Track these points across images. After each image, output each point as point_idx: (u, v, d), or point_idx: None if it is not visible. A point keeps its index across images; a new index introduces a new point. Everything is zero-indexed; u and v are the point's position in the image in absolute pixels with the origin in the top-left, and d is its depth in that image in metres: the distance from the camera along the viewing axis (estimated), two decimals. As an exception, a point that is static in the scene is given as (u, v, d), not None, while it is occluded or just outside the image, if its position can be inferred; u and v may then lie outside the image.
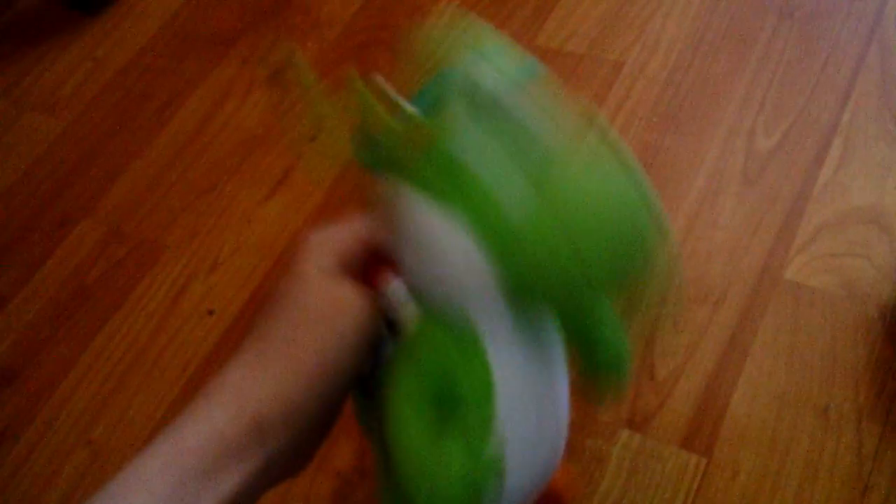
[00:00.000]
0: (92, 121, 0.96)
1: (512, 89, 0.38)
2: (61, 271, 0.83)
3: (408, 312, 0.42)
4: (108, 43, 1.03)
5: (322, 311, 0.40)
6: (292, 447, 0.40)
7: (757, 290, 0.71)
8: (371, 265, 0.44)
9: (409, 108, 0.39)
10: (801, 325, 0.69)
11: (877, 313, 0.68)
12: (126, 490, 0.35)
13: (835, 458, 0.62)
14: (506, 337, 0.40)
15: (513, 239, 0.37)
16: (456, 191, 0.38)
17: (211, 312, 0.78)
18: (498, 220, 0.37)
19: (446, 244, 0.38)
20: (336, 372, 0.40)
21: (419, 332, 0.41)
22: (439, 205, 0.38)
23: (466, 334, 0.39)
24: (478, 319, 0.40)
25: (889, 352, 0.66)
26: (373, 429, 0.44)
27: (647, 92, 0.87)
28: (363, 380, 0.43)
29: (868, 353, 0.67)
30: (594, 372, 0.44)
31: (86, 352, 0.77)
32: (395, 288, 0.42)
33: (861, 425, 0.63)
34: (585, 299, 0.38)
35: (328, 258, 0.42)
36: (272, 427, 0.38)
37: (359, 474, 0.67)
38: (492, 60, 0.39)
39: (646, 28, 0.93)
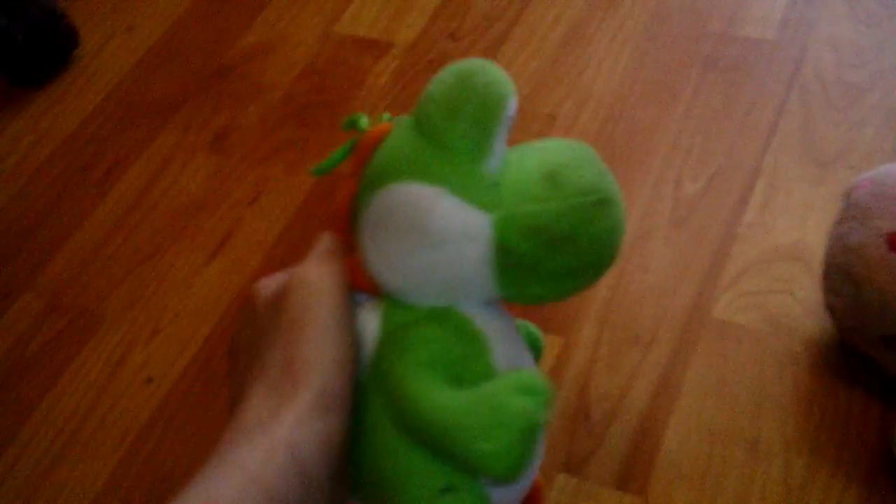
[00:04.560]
0: (33, 194, 0.97)
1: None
2: (1, 345, 0.83)
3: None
4: (51, 115, 1.05)
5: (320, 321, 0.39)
6: (331, 476, 0.37)
7: (686, 330, 0.73)
8: None
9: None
10: (729, 361, 0.70)
11: (802, 347, 0.70)
12: None
13: (764, 490, 0.63)
14: (493, 324, 0.42)
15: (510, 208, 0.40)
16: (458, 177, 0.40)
17: (149, 380, 0.78)
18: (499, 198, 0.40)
19: (457, 226, 0.40)
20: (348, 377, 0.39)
21: (411, 337, 0.41)
22: (440, 191, 0.39)
23: (466, 326, 0.41)
24: (471, 310, 0.42)
25: (814, 384, 0.68)
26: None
27: (578, 143, 0.89)
28: None
29: (794, 386, 0.68)
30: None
31: (25, 425, 0.77)
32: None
33: (789, 457, 0.64)
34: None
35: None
36: (310, 455, 0.35)
37: None
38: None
39: (577, 83, 0.96)
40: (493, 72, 0.40)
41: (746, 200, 0.81)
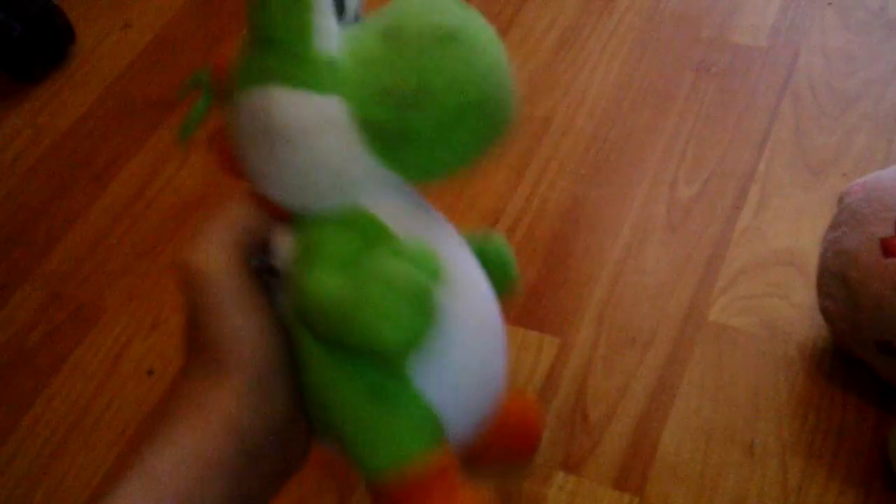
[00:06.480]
0: (32, 187, 0.97)
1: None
2: (0, 336, 0.83)
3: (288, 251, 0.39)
4: (49, 110, 1.05)
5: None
6: (278, 449, 0.38)
7: (682, 333, 0.74)
8: None
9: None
10: (725, 364, 0.72)
11: (796, 351, 0.72)
12: None
13: (761, 492, 0.64)
14: (405, 219, 0.38)
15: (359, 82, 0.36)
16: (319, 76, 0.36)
17: (150, 373, 0.78)
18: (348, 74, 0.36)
19: (318, 127, 0.36)
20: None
21: (313, 242, 0.38)
22: (303, 93, 0.36)
23: (365, 221, 0.38)
24: (369, 205, 0.38)
25: (810, 387, 0.69)
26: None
27: (574, 146, 0.91)
28: None
29: (790, 388, 0.69)
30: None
31: (25, 416, 0.77)
32: (276, 242, 0.40)
33: (785, 459, 0.66)
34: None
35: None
36: (252, 434, 0.36)
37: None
38: None
39: (572, 86, 0.97)
40: None
41: (740, 205, 0.83)
